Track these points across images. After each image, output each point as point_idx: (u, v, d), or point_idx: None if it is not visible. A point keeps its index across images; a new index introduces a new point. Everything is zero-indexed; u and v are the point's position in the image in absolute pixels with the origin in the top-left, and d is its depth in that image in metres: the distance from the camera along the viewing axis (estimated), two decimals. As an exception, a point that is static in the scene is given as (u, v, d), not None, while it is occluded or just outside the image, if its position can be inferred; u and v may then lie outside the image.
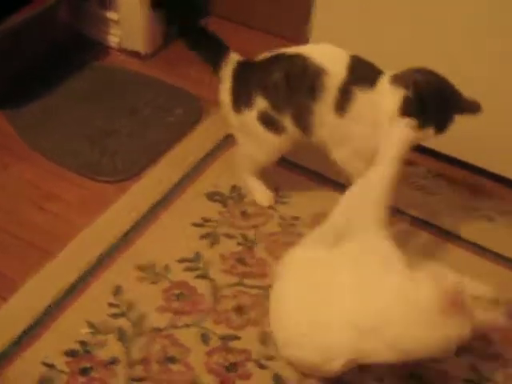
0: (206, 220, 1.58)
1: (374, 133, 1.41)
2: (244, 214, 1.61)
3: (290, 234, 1.57)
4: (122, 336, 1.34)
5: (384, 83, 1.39)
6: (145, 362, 1.30)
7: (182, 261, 1.49)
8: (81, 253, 1.49)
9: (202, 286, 1.44)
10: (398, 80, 1.37)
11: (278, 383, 1.29)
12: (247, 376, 1.30)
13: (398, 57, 1.48)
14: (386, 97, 1.38)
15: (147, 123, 1.86)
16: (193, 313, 1.39)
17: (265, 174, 1.65)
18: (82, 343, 1.33)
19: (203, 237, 1.54)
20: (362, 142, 1.45)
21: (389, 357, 1.16)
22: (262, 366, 1.32)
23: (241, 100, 1.49)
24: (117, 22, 2.11)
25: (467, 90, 1.39)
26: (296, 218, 1.61)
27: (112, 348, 1.32)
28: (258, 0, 2.22)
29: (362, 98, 1.39)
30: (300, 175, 1.71)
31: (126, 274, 1.45)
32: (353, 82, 1.39)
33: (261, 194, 1.64)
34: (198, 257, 1.50)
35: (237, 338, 1.36)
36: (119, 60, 2.12)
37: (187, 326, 1.37)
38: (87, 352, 1.31)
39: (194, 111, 1.92)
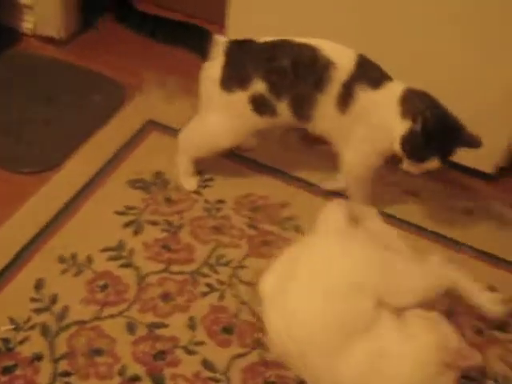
0: (129, 208, 1.55)
1: (378, 135, 1.44)
2: (168, 200, 1.59)
3: (216, 217, 1.56)
4: (45, 331, 1.31)
5: (389, 95, 1.41)
6: (70, 356, 1.27)
7: (105, 250, 1.46)
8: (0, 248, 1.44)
9: (126, 275, 1.42)
10: (406, 111, 1.39)
11: (207, 368, 1.29)
12: (175, 363, 1.29)
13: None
14: (394, 123, 1.40)
15: (65, 111, 1.81)
16: (118, 303, 1.37)
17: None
18: (4, 341, 1.29)
19: (126, 225, 1.52)
20: (365, 145, 1.46)
21: None
22: (190, 352, 1.31)
23: (234, 79, 1.45)
24: (30, 8, 2.03)
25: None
26: (221, 202, 1.60)
27: (36, 344, 1.29)
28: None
29: (365, 98, 1.40)
30: (223, 158, 1.69)
31: (48, 266, 1.41)
32: (359, 79, 1.40)
33: (187, 179, 1.62)
34: (121, 245, 1.47)
35: (164, 325, 1.35)
36: (34, 46, 2.05)
37: (112, 316, 1.35)
38: (9, 350, 1.28)
39: (115, 97, 1.88)
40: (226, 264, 1.47)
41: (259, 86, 1.42)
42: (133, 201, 1.57)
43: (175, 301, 1.38)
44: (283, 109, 1.44)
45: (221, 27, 1.80)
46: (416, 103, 1.39)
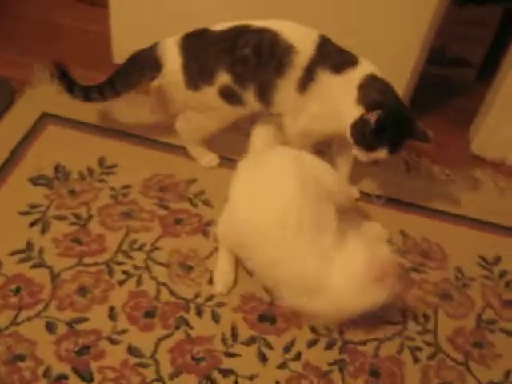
0: (34, 206, 1.51)
1: (328, 117, 1.43)
2: (72, 192, 1.55)
3: (123, 203, 1.54)
4: (-39, 345, 1.26)
5: (349, 80, 1.39)
6: (-9, 366, 1.24)
7: (14, 253, 1.41)
8: None
9: (39, 275, 1.38)
10: (361, 98, 1.37)
11: (134, 355, 1.28)
12: (101, 355, 1.27)
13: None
14: (348, 108, 1.38)
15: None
16: (34, 304, 1.33)
17: (83, 147, 1.61)
18: None
19: (33, 224, 1.47)
20: (313, 122, 1.46)
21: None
22: (114, 342, 1.30)
23: (198, 77, 1.43)
24: None
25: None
26: (127, 187, 1.57)
27: (-48, 359, 1.24)
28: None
29: (325, 82, 1.40)
30: (124, 143, 1.66)
31: (-44, 277, 1.36)
32: (320, 63, 1.39)
33: (207, 158, 1.64)
34: (30, 246, 1.43)
35: (85, 319, 1.32)
36: None
37: (30, 319, 1.31)
38: None
39: (5, 93, 1.81)
40: (140, 248, 1.45)
41: (224, 78, 1.42)
42: (36, 198, 1.53)
43: (92, 293, 1.36)
44: (250, 97, 1.44)
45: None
46: (373, 92, 1.38)
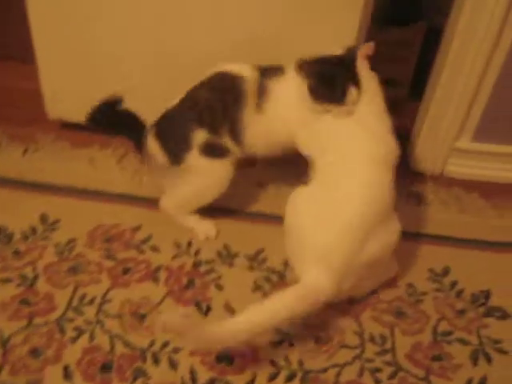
0: (-23, 271, 1.48)
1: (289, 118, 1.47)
2: (16, 253, 1.52)
3: (70, 258, 1.52)
4: None
5: (291, 73, 1.46)
6: None
7: (-40, 323, 1.38)
8: None
9: (-12, 342, 1.35)
10: (301, 71, 1.45)
11: (93, 412, 1.25)
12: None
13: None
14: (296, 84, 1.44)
15: None
16: (-15, 373, 1.30)
17: (23, 205, 1.58)
18: None
19: (-22, 290, 1.44)
20: (277, 125, 1.48)
21: None
22: (70, 402, 1.27)
23: (177, 149, 1.46)
24: None
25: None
26: (72, 241, 1.55)
27: None
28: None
29: (275, 88, 1.45)
30: (64, 196, 1.65)
31: None
32: (265, 77, 1.46)
33: (202, 228, 1.60)
34: (-23, 313, 1.40)
35: (39, 381, 1.29)
36: None
37: (-18, 388, 1.28)
38: None
39: None
40: (90, 302, 1.43)
41: (200, 136, 1.45)
42: (-21, 263, 1.50)
43: (45, 354, 1.33)
44: (228, 142, 1.47)
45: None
46: (306, 65, 1.46)
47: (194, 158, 1.47)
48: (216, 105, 1.44)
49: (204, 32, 1.61)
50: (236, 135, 1.47)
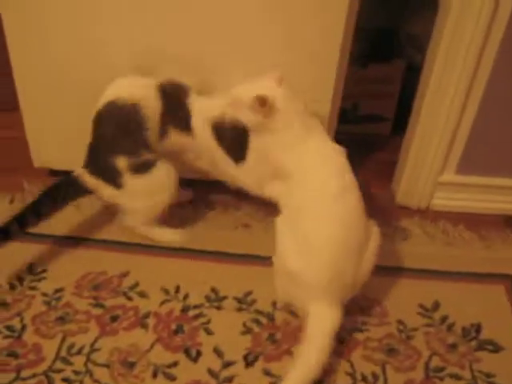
0: (-36, 325, 1.46)
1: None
2: (3, 304, 1.51)
3: (57, 308, 1.51)
4: None
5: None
6: None
7: None
8: None
9: (-25, 398, 1.33)
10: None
11: None
12: None
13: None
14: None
15: None
16: (-28, 430, 1.28)
17: (10, 256, 1.59)
18: None
19: (-35, 344, 1.43)
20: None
21: None
22: None
23: (110, 177, 1.53)
24: None
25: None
26: (60, 290, 1.55)
27: None
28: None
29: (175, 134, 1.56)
30: (51, 244, 1.65)
31: None
32: (168, 117, 1.54)
33: (170, 234, 1.67)
34: (-36, 368, 1.38)
35: None
36: None
37: None
38: None
39: None
40: (79, 352, 1.41)
41: (122, 161, 1.52)
42: (-34, 316, 1.48)
43: (34, 407, 1.32)
44: (146, 154, 1.53)
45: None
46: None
47: (129, 180, 1.53)
48: (122, 135, 1.51)
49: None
50: (152, 148, 1.54)
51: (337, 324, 1.37)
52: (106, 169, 1.53)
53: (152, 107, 1.52)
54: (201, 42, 1.59)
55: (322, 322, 1.37)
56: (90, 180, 1.55)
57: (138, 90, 1.52)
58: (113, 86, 1.54)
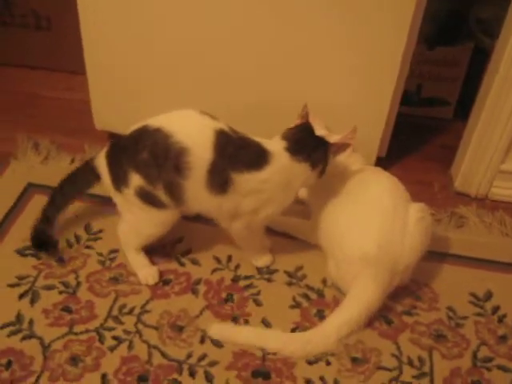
0: (22, 278, 1.51)
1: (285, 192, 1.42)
2: (60, 261, 1.56)
3: (111, 268, 1.54)
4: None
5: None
6: None
7: (3, 327, 1.41)
8: None
9: (29, 347, 1.38)
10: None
11: (128, 422, 1.27)
12: (95, 425, 1.26)
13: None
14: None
15: None
16: (26, 378, 1.32)
17: (69, 214, 1.63)
18: None
19: (22, 296, 1.47)
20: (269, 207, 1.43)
21: None
22: (108, 411, 1.28)
23: (118, 179, 1.41)
24: None
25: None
26: (114, 251, 1.58)
27: None
28: (30, 38, 2.16)
29: (244, 179, 1.36)
30: (108, 206, 1.67)
31: None
32: (226, 164, 1.35)
33: (145, 271, 1.53)
34: (20, 318, 1.42)
35: (76, 388, 1.31)
36: None
37: (22, 393, 1.30)
38: None
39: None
40: (130, 312, 1.45)
41: (136, 180, 1.38)
42: (25, 269, 1.53)
43: (84, 362, 1.35)
44: (164, 197, 1.39)
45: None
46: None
47: (130, 196, 1.41)
48: (150, 165, 1.36)
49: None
50: (174, 195, 1.39)
51: (374, 300, 1.40)
52: (119, 169, 1.41)
53: (200, 158, 1.34)
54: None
55: (360, 292, 1.40)
56: (101, 160, 1.46)
57: (194, 135, 1.35)
58: (173, 117, 1.39)
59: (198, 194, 1.37)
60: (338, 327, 1.39)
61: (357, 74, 1.64)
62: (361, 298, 1.40)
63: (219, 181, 1.35)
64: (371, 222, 1.42)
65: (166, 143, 1.33)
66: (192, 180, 1.35)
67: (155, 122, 1.37)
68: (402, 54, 1.58)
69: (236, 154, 1.35)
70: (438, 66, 2.00)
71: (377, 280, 1.40)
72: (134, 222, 1.49)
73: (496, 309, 1.51)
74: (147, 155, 1.35)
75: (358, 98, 1.67)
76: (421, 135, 2.03)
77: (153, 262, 1.56)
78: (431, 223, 1.48)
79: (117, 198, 1.46)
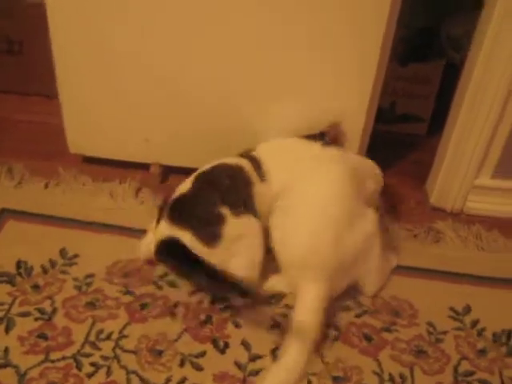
0: (-4, 305, 1.49)
1: None
2: (36, 287, 1.53)
3: (88, 293, 1.52)
4: None
5: None
6: None
7: (-22, 356, 1.38)
8: None
9: (5, 376, 1.34)
10: None
11: None
12: None
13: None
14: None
15: None
16: (1, 408, 1.30)
17: (44, 239, 1.59)
18: None
19: (-4, 324, 1.45)
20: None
21: None
22: None
23: (208, 233, 1.43)
24: None
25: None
26: (90, 276, 1.56)
27: None
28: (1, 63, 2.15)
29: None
30: (84, 230, 1.66)
31: None
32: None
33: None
34: (-6, 347, 1.40)
35: (55, 417, 1.29)
36: None
37: (-2, 424, 1.27)
38: None
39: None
40: (107, 338, 1.43)
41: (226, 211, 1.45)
42: (-1, 297, 1.51)
43: (61, 390, 1.33)
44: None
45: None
46: None
47: (231, 224, 1.44)
48: (233, 188, 1.51)
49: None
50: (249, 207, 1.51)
51: (321, 294, 1.44)
52: (206, 219, 1.45)
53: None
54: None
55: (305, 295, 1.44)
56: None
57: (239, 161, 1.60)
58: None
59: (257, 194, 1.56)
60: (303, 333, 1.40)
61: (331, 93, 1.66)
62: (307, 301, 1.43)
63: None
64: (303, 225, 1.47)
65: (234, 168, 1.58)
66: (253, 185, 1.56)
67: (228, 160, 1.60)
68: (375, 70, 1.60)
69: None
70: (411, 83, 2.02)
71: (317, 280, 1.44)
72: (246, 254, 1.48)
73: (475, 322, 1.51)
74: (228, 181, 1.53)
75: (333, 115, 1.68)
76: (396, 151, 2.04)
77: (129, 287, 1.54)
78: (376, 234, 1.52)
79: (211, 256, 1.43)
